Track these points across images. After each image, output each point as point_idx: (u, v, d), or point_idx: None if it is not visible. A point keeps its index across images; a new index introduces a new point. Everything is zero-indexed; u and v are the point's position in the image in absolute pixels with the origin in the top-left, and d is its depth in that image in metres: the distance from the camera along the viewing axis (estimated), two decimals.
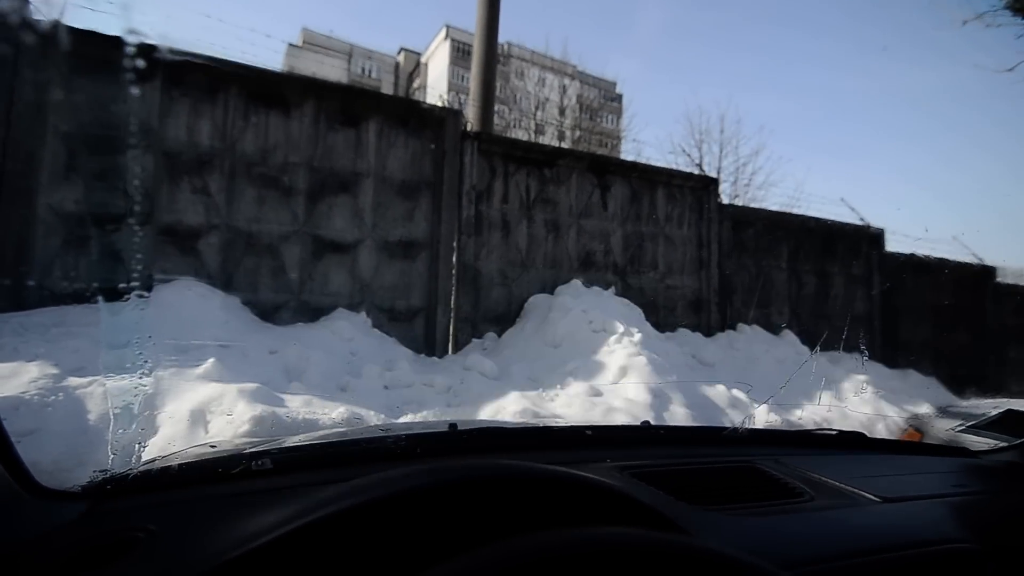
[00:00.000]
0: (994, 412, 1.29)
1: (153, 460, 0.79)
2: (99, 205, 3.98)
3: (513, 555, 0.40)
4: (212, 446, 0.92)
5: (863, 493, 0.82)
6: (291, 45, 29.42)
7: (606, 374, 4.30)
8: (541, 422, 2.98)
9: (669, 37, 54.69)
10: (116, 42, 4.09)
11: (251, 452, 0.78)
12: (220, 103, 4.47)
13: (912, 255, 8.10)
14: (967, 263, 8.33)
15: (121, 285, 3.89)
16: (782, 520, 0.72)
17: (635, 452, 0.96)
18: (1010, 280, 8.91)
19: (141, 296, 3.73)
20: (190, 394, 2.87)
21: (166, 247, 4.25)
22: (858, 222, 7.79)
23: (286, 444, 0.90)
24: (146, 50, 4.10)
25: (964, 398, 5.90)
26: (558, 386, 4.03)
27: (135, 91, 4.15)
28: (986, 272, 8.63)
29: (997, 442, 1.13)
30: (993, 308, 8.58)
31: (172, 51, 4.17)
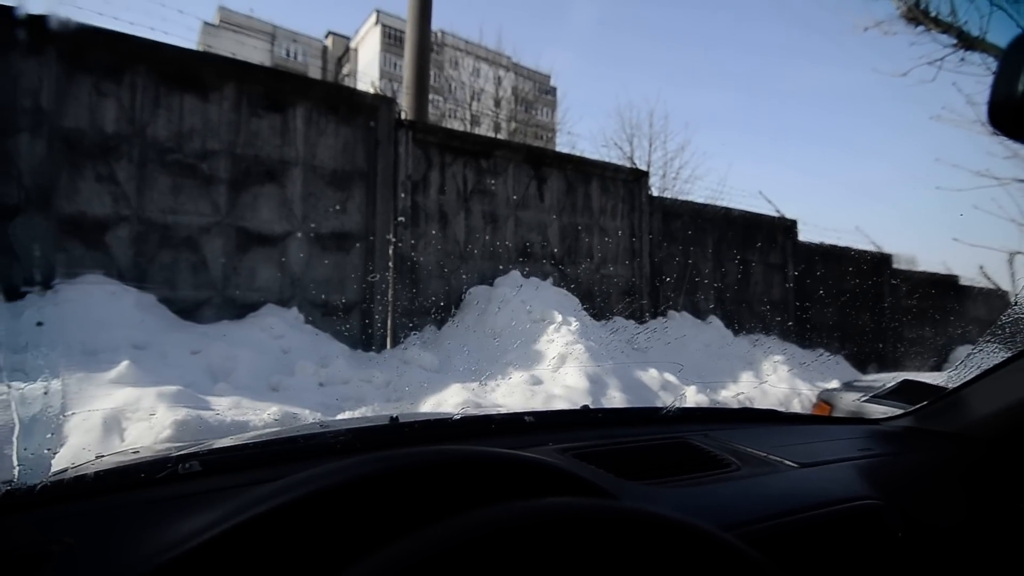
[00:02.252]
0: (892, 383, 1.43)
1: (65, 469, 0.72)
2: None
3: (439, 540, 0.40)
4: (135, 451, 0.85)
5: (783, 460, 0.89)
6: (207, 24, 27.45)
7: (545, 362, 4.37)
8: (483, 412, 2.99)
9: (602, 31, 55.83)
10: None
11: (176, 455, 0.73)
12: (127, 83, 4.10)
13: (821, 244, 8.79)
14: (867, 251, 9.15)
15: (16, 283, 3.53)
16: (714, 488, 0.77)
17: (576, 435, 0.98)
18: (904, 266, 9.88)
19: (41, 295, 3.39)
20: (102, 399, 2.64)
21: (69, 241, 3.87)
22: (774, 214, 8.35)
23: (215, 446, 0.85)
24: (33, 20, 3.70)
25: (867, 373, 6.51)
26: (499, 376, 4.06)
27: (23, 66, 3.74)
28: (883, 259, 9.52)
29: (895, 409, 1.25)
30: (890, 292, 9.48)
31: (65, 23, 3.78)
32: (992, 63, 4.97)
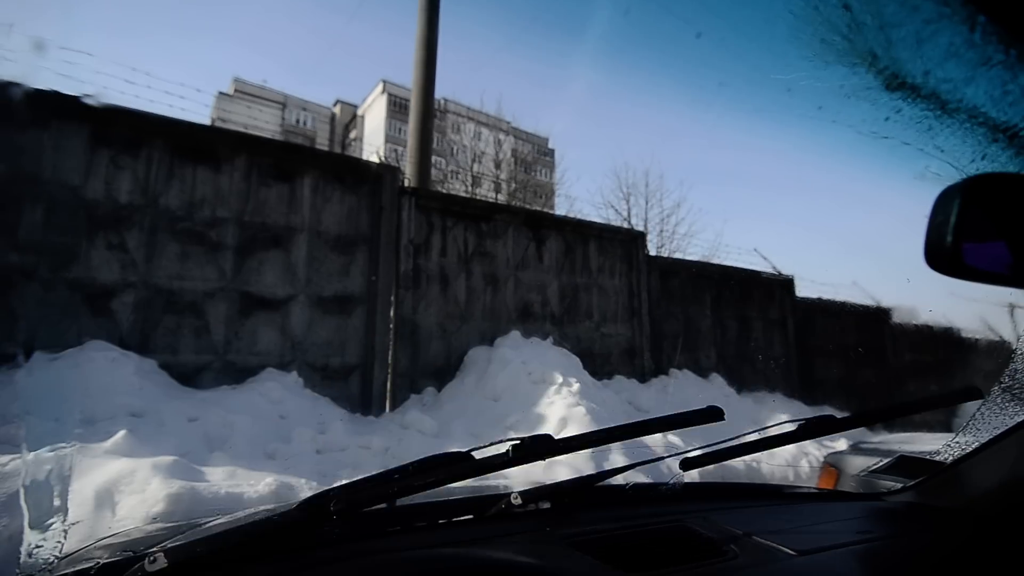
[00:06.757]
0: (904, 447, 1.43)
1: (62, 557, 0.72)
2: None
3: None
4: (126, 535, 0.85)
5: (782, 548, 0.88)
6: (221, 94, 28.85)
7: (547, 426, 4.31)
8: (477, 487, 2.92)
9: (598, 96, 58.44)
10: (26, 92, 3.89)
11: (145, 552, 0.72)
12: (143, 156, 4.29)
13: (819, 299, 8.84)
14: (866, 305, 9.19)
15: (18, 349, 3.55)
16: None
17: (572, 518, 0.98)
18: (903, 319, 9.88)
19: (44, 361, 3.41)
20: (96, 472, 2.61)
21: (75, 307, 3.92)
22: (771, 270, 8.45)
23: (201, 528, 0.85)
24: (57, 98, 3.92)
25: (874, 432, 6.37)
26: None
27: (44, 140, 3.93)
28: (883, 313, 9.54)
29: (896, 484, 1.24)
30: (891, 346, 9.44)
31: (92, 102, 4.00)
32: (970, 127, 5.17)
